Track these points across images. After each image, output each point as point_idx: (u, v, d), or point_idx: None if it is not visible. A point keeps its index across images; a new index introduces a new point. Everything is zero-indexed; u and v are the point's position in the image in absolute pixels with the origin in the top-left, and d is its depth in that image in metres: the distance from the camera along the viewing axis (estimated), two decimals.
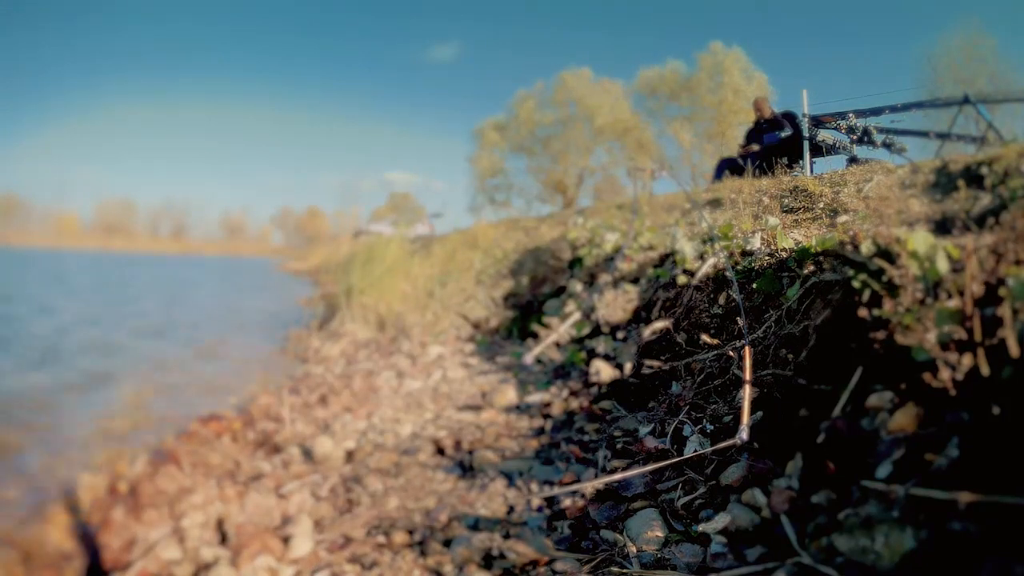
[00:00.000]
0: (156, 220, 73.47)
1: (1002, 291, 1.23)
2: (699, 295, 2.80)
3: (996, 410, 1.09)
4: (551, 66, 30.88)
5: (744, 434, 1.71)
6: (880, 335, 1.59)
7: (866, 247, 1.90)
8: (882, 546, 1.05)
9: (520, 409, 2.57)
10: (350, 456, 2.15)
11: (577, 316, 3.50)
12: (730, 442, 1.77)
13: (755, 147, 7.04)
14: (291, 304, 8.16)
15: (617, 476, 1.65)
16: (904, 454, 1.25)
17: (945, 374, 1.26)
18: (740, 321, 2.29)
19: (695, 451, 1.69)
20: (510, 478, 1.82)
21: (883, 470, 1.24)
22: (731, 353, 2.20)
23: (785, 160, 6.10)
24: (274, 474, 1.97)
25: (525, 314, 4.57)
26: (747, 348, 1.99)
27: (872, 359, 1.59)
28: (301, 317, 5.33)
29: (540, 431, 2.23)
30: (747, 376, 1.88)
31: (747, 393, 1.81)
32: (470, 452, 2.05)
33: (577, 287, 4.21)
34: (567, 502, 1.60)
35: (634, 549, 1.33)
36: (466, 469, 1.95)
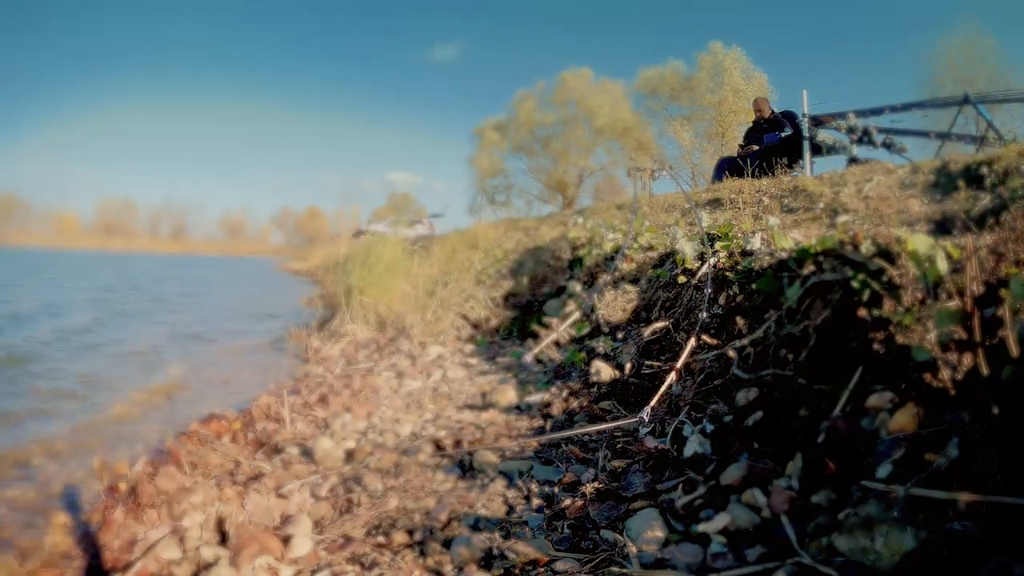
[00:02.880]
0: (156, 220, 73.54)
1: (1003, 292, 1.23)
2: (699, 295, 2.80)
3: (996, 410, 1.09)
4: (552, 66, 30.96)
5: (646, 415, 2.01)
6: (880, 335, 1.59)
7: (866, 247, 1.90)
8: (882, 546, 1.05)
9: (520, 409, 2.57)
10: (350, 456, 2.15)
11: (577, 316, 3.50)
12: (633, 420, 2.04)
13: (754, 147, 7.04)
14: (291, 304, 8.16)
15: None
16: (904, 454, 1.25)
17: (945, 374, 1.26)
18: (703, 315, 2.45)
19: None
20: (510, 478, 1.82)
21: (883, 470, 1.24)
22: (731, 353, 2.20)
23: (785, 160, 6.10)
24: (274, 474, 1.97)
25: (525, 314, 4.57)
26: (691, 338, 2.34)
27: (872, 359, 1.59)
28: (301, 317, 5.33)
29: (540, 431, 2.23)
30: (678, 364, 2.23)
31: (669, 379, 2.19)
32: (470, 452, 2.04)
33: (577, 287, 4.21)
34: (567, 502, 1.60)
35: (634, 549, 1.33)
36: (466, 469, 1.95)
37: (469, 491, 1.76)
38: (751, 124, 7.56)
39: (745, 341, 2.18)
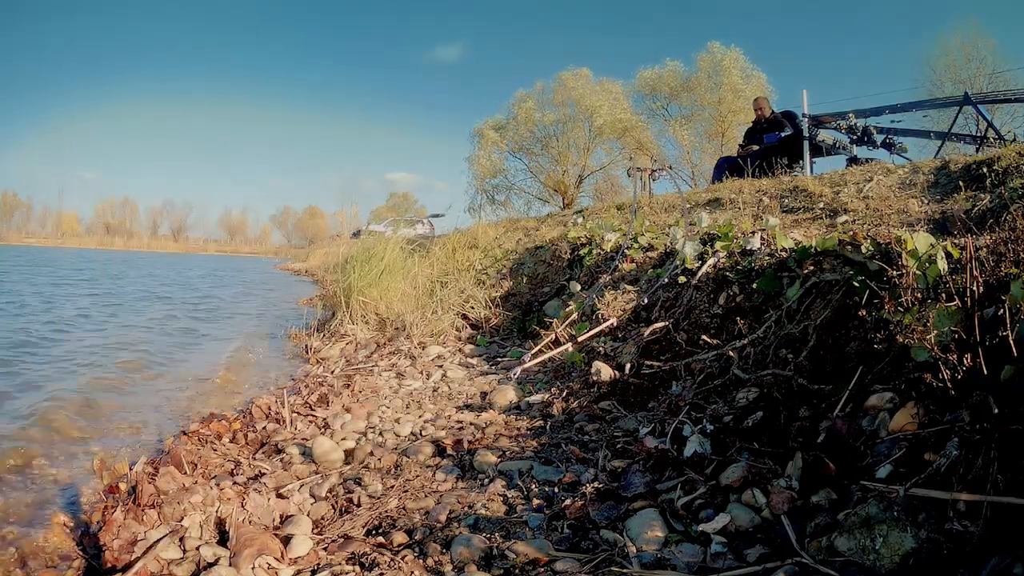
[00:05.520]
0: (156, 220, 73.63)
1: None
2: (699, 295, 2.80)
3: (996, 410, 1.09)
4: (552, 66, 31.03)
5: (516, 372, 2.40)
6: (880, 335, 1.59)
7: (866, 247, 1.90)
8: (882, 546, 1.05)
9: (520, 409, 2.57)
10: (350, 456, 2.15)
11: (575, 316, 3.50)
12: (509, 372, 2.25)
13: (754, 147, 7.04)
14: (291, 304, 8.16)
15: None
16: (904, 454, 1.25)
17: (945, 374, 1.26)
18: (643, 299, 2.39)
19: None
20: (510, 478, 1.82)
21: (883, 470, 1.24)
22: (731, 353, 2.20)
23: (785, 160, 6.10)
24: (274, 474, 1.97)
25: (525, 314, 4.57)
26: (614, 317, 2.67)
27: (872, 359, 1.59)
28: (301, 317, 5.33)
29: (540, 431, 2.23)
30: (581, 338, 2.59)
31: (553, 352, 2.67)
32: (470, 452, 2.04)
33: (577, 287, 4.21)
34: (567, 502, 1.59)
35: (634, 549, 1.33)
36: (466, 469, 1.95)
37: (469, 491, 1.76)
38: (751, 124, 7.57)
39: (745, 341, 2.18)
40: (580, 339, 2.96)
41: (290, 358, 4.23)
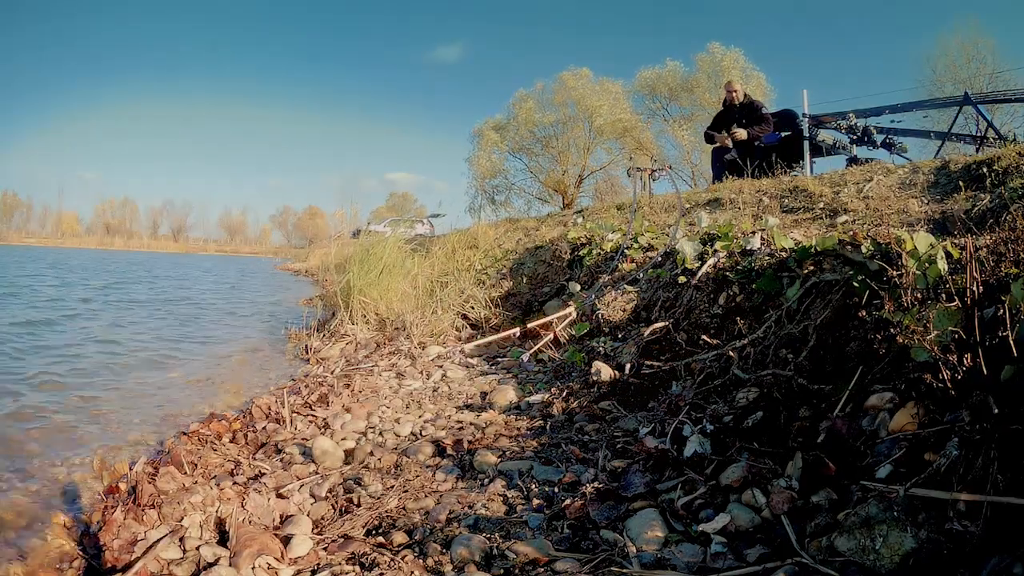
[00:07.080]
0: (156, 220, 73.71)
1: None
2: (699, 295, 2.80)
3: (996, 410, 1.09)
4: (552, 66, 31.04)
5: (455, 355, 2.57)
6: (880, 335, 1.59)
7: (866, 247, 1.90)
8: (882, 546, 1.05)
9: (520, 409, 2.57)
10: (350, 456, 2.15)
11: (574, 316, 3.50)
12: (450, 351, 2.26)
13: (727, 138, 6.95)
14: (291, 304, 8.16)
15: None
16: (904, 454, 1.25)
17: (945, 374, 1.26)
18: (605, 277, 2.36)
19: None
20: (510, 478, 1.82)
21: (883, 470, 1.24)
22: (731, 353, 2.20)
23: (780, 160, 6.10)
24: (274, 474, 1.97)
25: (525, 314, 4.57)
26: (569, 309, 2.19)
27: (872, 359, 1.59)
28: (301, 317, 5.33)
29: (540, 431, 2.23)
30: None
31: (490, 339, 2.45)
32: (470, 452, 2.04)
33: (577, 287, 4.21)
34: (567, 502, 1.59)
35: (634, 549, 1.33)
36: (466, 469, 1.95)
37: (469, 491, 1.76)
38: (723, 108, 7.27)
39: (745, 341, 2.18)
40: (530, 326, 3.19)
41: (290, 358, 4.22)
